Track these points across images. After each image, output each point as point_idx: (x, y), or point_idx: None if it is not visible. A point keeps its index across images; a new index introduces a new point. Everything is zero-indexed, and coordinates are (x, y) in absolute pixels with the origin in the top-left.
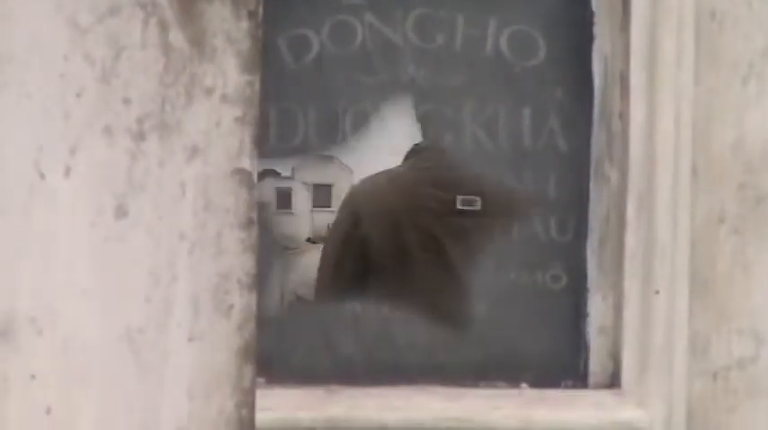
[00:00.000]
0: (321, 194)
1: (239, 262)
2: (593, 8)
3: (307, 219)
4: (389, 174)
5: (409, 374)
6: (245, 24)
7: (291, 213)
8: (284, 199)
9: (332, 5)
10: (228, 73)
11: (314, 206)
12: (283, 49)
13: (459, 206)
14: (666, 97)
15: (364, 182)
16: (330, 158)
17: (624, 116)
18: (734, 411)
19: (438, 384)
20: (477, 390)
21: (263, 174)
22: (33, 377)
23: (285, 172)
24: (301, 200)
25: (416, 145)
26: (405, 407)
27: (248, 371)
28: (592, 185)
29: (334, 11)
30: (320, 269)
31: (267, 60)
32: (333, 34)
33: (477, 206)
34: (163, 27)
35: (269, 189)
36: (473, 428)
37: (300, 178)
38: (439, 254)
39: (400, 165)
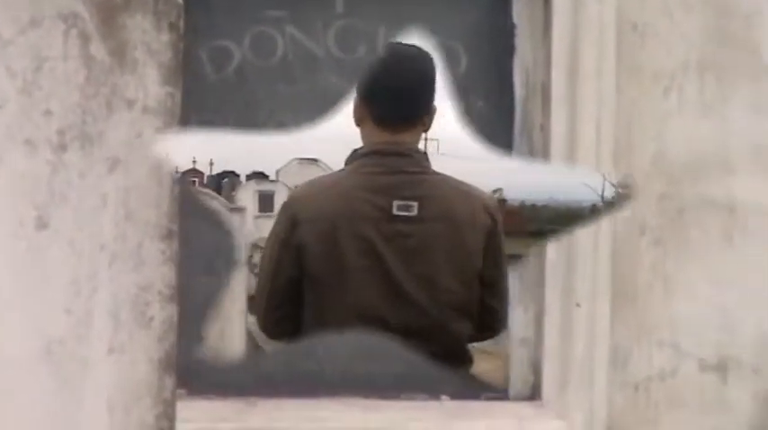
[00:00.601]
0: None
1: (159, 273)
2: (515, 20)
3: None
4: (328, 179)
5: (330, 386)
6: (166, 36)
7: (274, 216)
8: (267, 202)
9: (253, 17)
10: (149, 85)
11: None
12: (204, 60)
13: (395, 211)
14: (588, 109)
15: (302, 187)
16: (314, 161)
17: (545, 128)
18: (655, 423)
19: (358, 396)
20: (397, 402)
21: (249, 176)
22: None
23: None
24: None
25: (356, 150)
26: (325, 418)
27: (169, 382)
28: None
29: (256, 23)
30: (258, 276)
31: (188, 71)
32: (254, 46)
33: (414, 211)
34: (84, 39)
35: (251, 192)
36: None
37: (284, 181)
38: (377, 261)
39: (340, 170)
